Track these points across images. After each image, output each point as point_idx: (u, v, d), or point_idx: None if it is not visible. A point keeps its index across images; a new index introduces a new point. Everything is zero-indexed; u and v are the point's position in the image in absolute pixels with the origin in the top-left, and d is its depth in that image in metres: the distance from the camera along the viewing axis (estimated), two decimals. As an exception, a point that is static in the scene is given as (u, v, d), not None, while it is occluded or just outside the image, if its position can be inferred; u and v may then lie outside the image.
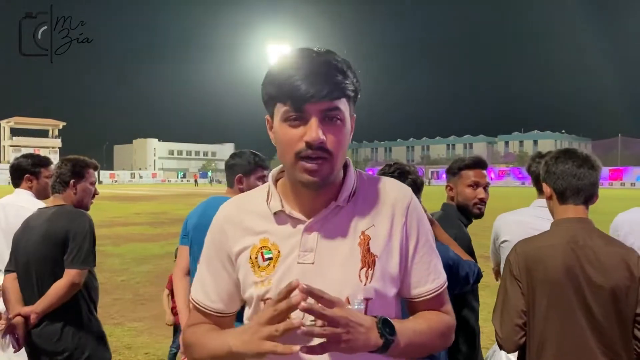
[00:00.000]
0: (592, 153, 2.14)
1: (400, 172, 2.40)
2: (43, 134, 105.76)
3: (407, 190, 1.34)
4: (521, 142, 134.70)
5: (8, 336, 2.70)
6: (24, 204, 3.44)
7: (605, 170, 64.79)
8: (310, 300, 1.08)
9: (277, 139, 1.22)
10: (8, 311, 2.86)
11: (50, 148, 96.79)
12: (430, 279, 1.31)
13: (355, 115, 1.29)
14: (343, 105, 1.19)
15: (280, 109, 1.19)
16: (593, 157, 2.08)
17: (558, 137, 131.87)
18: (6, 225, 3.43)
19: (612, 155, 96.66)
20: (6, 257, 3.35)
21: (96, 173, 3.13)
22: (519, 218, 2.91)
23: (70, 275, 2.76)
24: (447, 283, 1.35)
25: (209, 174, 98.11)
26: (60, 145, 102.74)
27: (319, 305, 1.08)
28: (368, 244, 1.25)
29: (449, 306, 1.36)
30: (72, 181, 2.98)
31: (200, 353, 1.30)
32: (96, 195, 3.16)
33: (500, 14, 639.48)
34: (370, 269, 1.23)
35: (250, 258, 1.28)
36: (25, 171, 3.56)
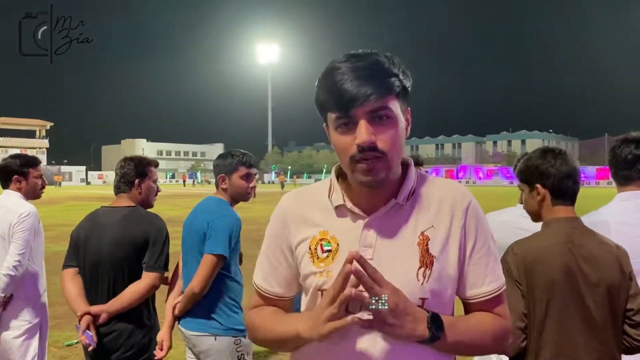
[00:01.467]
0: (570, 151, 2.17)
1: None
2: (30, 134, 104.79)
3: (466, 191, 1.35)
4: (509, 142, 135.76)
5: (86, 332, 2.73)
6: (11, 206, 3.40)
7: (592, 170, 65.47)
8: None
9: (334, 146, 1.26)
10: (71, 306, 2.87)
11: (37, 148, 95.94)
12: (486, 281, 1.32)
13: (409, 108, 1.30)
14: (391, 103, 1.20)
15: (331, 117, 1.23)
16: (572, 156, 2.13)
17: (546, 137, 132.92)
18: None
19: (599, 154, 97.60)
20: None
21: (155, 170, 3.16)
22: (504, 218, 2.92)
23: (151, 278, 2.82)
24: (504, 287, 1.36)
25: (199, 174, 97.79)
26: (47, 145, 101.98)
27: (370, 279, 1.14)
28: (427, 244, 1.26)
29: (505, 310, 1.36)
30: (136, 180, 3.01)
31: (265, 334, 1.37)
32: (158, 193, 3.20)
33: (488, 15, 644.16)
34: (428, 269, 1.25)
35: (310, 249, 1.31)
36: (13, 172, 3.50)
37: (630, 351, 2.01)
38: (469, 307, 1.35)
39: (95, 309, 2.77)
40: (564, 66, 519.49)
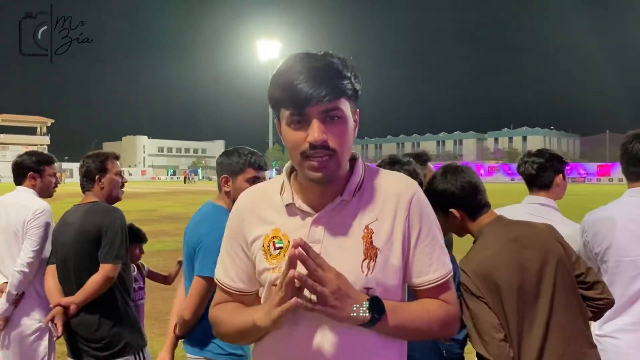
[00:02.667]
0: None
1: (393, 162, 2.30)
2: (31, 131, 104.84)
3: (411, 183, 1.41)
4: (510, 139, 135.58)
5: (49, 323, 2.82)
6: (25, 202, 3.38)
7: (593, 166, 65.48)
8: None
9: (285, 141, 1.32)
10: (49, 300, 2.99)
11: (38, 145, 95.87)
12: (432, 269, 1.37)
13: (358, 109, 1.37)
14: (343, 104, 1.27)
15: (284, 114, 1.28)
16: (468, 168, 2.18)
17: (547, 134, 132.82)
18: (6, 224, 3.37)
19: (601, 151, 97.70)
20: (6, 258, 3.38)
21: (118, 162, 3.21)
22: (511, 215, 2.91)
23: (105, 269, 2.87)
24: (452, 273, 1.41)
25: (199, 171, 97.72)
26: (48, 142, 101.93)
27: (313, 263, 1.20)
28: (371, 237, 1.32)
29: (451, 296, 1.41)
30: (97, 176, 3.06)
31: (227, 328, 1.43)
32: (125, 184, 3.23)
33: (490, 11, 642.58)
34: (372, 260, 1.31)
35: (263, 246, 1.37)
36: (28, 169, 3.47)
37: (598, 314, 2.07)
38: (417, 295, 1.41)
39: (64, 300, 2.87)
40: (565, 63, 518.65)
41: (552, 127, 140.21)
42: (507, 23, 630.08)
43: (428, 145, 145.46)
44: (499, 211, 2.99)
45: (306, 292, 1.22)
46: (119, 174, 3.17)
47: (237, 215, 1.46)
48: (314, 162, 1.25)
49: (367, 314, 1.24)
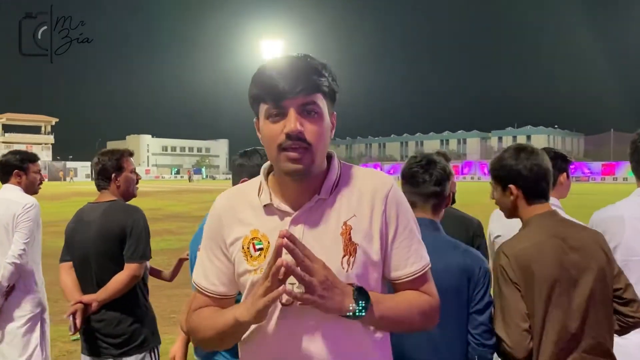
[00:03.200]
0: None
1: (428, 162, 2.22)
2: (35, 130, 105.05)
3: (387, 179, 1.43)
4: (514, 138, 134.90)
5: (70, 318, 2.86)
6: (13, 198, 3.54)
7: (597, 165, 65.24)
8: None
9: (262, 136, 1.34)
10: (66, 297, 3.01)
11: (42, 144, 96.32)
12: (409, 262, 1.40)
13: (335, 112, 1.39)
14: (319, 100, 1.30)
15: (263, 108, 1.31)
16: (544, 153, 2.14)
17: (551, 132, 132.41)
18: None
19: (605, 150, 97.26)
20: None
21: (132, 159, 3.24)
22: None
23: (131, 269, 2.93)
24: (429, 266, 1.44)
25: (203, 169, 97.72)
26: (52, 141, 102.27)
27: (300, 253, 1.20)
28: (350, 233, 1.34)
29: (431, 288, 1.44)
30: (113, 175, 3.09)
31: (205, 333, 1.39)
32: (139, 180, 3.28)
33: (494, 11, 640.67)
34: (351, 256, 1.33)
35: (243, 248, 1.37)
36: (14, 167, 3.65)
37: (625, 330, 2.06)
38: (396, 288, 1.43)
39: (86, 298, 2.91)
40: (569, 61, 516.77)
41: (556, 126, 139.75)
42: (511, 22, 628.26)
43: (432, 144, 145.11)
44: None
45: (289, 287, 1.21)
46: (134, 171, 3.22)
47: (216, 217, 1.45)
48: (290, 153, 1.27)
49: (355, 305, 1.24)
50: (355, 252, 1.33)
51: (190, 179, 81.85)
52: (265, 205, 1.38)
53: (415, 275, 1.40)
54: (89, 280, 2.99)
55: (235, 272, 1.41)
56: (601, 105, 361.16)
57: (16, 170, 3.64)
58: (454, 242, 2.07)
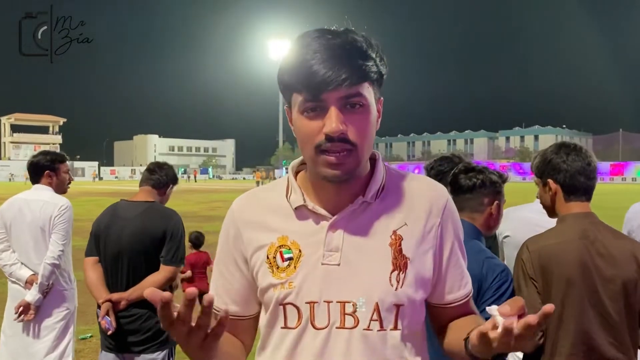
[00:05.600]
0: (587, 147, 2.16)
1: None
2: (43, 130, 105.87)
3: (442, 189, 1.24)
4: (522, 137, 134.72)
5: (105, 318, 2.93)
6: (48, 199, 3.63)
7: (606, 165, 64.86)
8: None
9: (296, 131, 1.12)
10: (92, 293, 3.07)
11: (50, 144, 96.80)
12: (463, 283, 1.24)
13: (382, 97, 1.16)
14: (365, 90, 1.07)
15: (296, 99, 1.09)
16: (589, 151, 2.10)
17: (559, 132, 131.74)
18: (32, 220, 3.56)
19: (613, 150, 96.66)
20: (31, 251, 3.60)
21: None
22: (523, 214, 2.89)
23: (168, 271, 3.01)
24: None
25: (210, 169, 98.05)
26: (60, 141, 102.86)
27: None
28: (400, 244, 1.14)
29: (475, 308, 1.30)
30: (168, 188, 3.34)
31: None
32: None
33: (501, 10, 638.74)
34: (402, 272, 1.13)
35: (268, 258, 1.17)
36: (45, 167, 3.72)
37: None
38: (444, 313, 1.24)
39: (116, 296, 2.95)
40: (578, 61, 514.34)
41: (564, 126, 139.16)
42: (518, 21, 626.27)
43: (439, 144, 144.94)
44: (511, 210, 2.98)
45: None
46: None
47: (231, 225, 1.25)
48: (330, 157, 1.06)
49: None
50: (406, 268, 1.13)
51: (193, 179, 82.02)
52: (296, 208, 1.17)
53: (468, 298, 1.24)
54: (118, 276, 3.04)
55: (257, 289, 1.20)
56: (609, 105, 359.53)
57: (47, 171, 3.71)
58: (479, 248, 2.04)
